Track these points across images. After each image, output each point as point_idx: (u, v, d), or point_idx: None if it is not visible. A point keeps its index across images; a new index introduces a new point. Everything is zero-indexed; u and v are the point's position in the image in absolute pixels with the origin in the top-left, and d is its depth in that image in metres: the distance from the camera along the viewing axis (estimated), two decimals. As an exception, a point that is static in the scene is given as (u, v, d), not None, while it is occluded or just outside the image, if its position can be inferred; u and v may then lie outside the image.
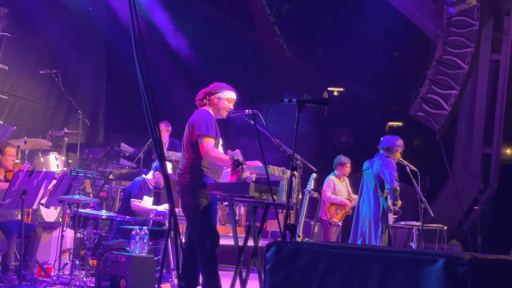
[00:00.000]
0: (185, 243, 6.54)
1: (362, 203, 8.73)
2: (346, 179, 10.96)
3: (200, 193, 6.24)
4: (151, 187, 9.12)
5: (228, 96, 6.59)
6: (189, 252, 6.38)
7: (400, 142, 8.79)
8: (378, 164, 8.58)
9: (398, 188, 8.45)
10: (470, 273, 3.32)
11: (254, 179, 6.04)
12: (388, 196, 8.56)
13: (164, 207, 8.87)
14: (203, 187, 6.22)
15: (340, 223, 10.71)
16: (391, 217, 8.73)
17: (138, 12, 3.40)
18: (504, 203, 15.58)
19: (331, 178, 10.75)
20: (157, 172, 9.07)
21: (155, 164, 9.27)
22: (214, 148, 6.26)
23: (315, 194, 9.94)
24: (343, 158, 10.87)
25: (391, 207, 8.56)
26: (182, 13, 15.54)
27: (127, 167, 10.96)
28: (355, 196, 10.29)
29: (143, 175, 9.27)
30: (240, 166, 6.10)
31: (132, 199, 8.89)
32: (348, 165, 10.81)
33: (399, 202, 8.64)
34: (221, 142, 6.61)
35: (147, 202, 9.03)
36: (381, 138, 9.04)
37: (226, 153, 6.29)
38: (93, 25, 14.18)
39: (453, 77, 14.28)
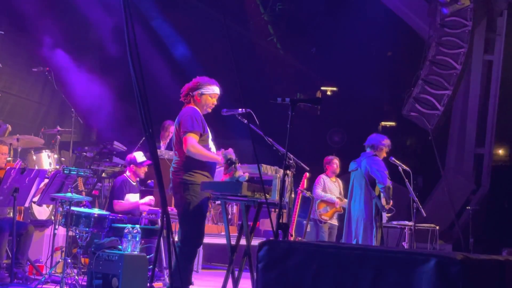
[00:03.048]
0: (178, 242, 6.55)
1: (354, 204, 8.70)
2: (339, 180, 10.92)
3: (191, 190, 6.25)
4: (134, 183, 9.08)
5: (210, 91, 6.57)
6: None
7: (386, 141, 8.80)
8: (367, 163, 8.57)
9: (391, 186, 8.45)
10: (462, 273, 3.33)
11: (247, 178, 6.05)
12: (382, 194, 8.54)
13: (148, 199, 8.91)
14: (195, 185, 6.24)
15: (332, 222, 10.66)
16: (385, 216, 8.73)
17: (132, 10, 3.40)
18: (496, 204, 15.65)
19: (322, 176, 10.72)
20: (131, 165, 9.03)
21: (132, 156, 9.20)
22: (196, 143, 6.24)
23: (308, 194, 9.94)
24: (328, 157, 10.89)
25: (386, 206, 8.55)
26: (176, 11, 15.53)
27: (119, 166, 10.93)
28: (346, 200, 10.27)
29: (125, 174, 9.25)
30: (233, 165, 6.10)
31: (114, 200, 8.87)
32: (335, 161, 10.76)
33: (391, 201, 8.64)
34: (210, 136, 6.58)
35: (131, 200, 8.99)
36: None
37: (219, 152, 6.30)
38: (86, 23, 14.14)
39: (446, 78, 14.31)
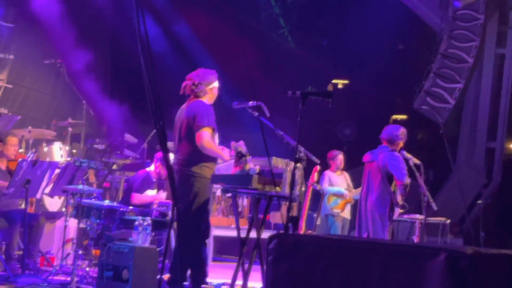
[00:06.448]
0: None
1: (368, 197, 8.62)
2: (346, 173, 10.91)
3: (199, 182, 6.33)
4: (154, 180, 9.14)
5: (217, 84, 6.73)
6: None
7: (403, 132, 8.66)
8: (385, 158, 8.46)
9: (409, 184, 8.38)
10: (472, 267, 3.32)
11: (257, 171, 6.06)
12: (397, 191, 8.47)
13: (163, 194, 8.96)
14: (203, 178, 6.31)
15: (345, 215, 10.63)
16: (397, 212, 8.68)
17: (143, 5, 3.41)
18: (507, 198, 15.57)
19: (326, 172, 10.71)
20: (158, 163, 9.09)
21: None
22: (210, 139, 6.35)
23: (318, 187, 9.92)
24: (332, 152, 10.85)
25: (400, 202, 8.48)
26: (186, 3, 15.53)
27: (130, 158, 10.97)
28: (356, 191, 10.23)
29: (147, 168, 9.30)
30: (244, 158, 6.12)
31: (133, 193, 8.91)
32: (339, 156, 10.75)
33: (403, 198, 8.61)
34: (217, 133, 6.67)
35: (149, 195, 9.04)
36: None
37: (230, 145, 6.33)
38: (98, 15, 14.15)
39: (457, 71, 14.25)
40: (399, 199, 8.45)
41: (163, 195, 9.09)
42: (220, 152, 6.40)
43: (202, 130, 6.34)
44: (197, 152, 6.38)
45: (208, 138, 6.33)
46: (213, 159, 6.50)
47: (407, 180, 8.29)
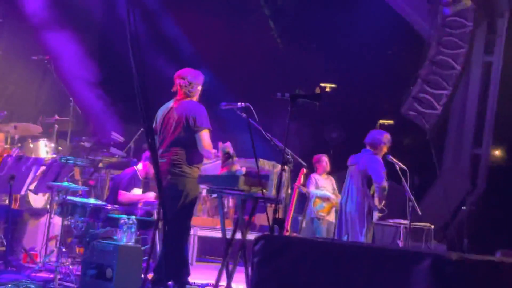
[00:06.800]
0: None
1: (347, 200, 8.67)
2: (331, 177, 10.94)
3: (191, 184, 6.34)
4: (141, 178, 9.12)
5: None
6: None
7: (386, 137, 8.71)
8: (366, 161, 8.53)
9: (387, 187, 8.44)
10: (456, 272, 3.33)
11: (244, 172, 6.06)
12: (375, 194, 8.53)
13: (152, 194, 8.91)
14: (194, 179, 6.31)
15: (330, 219, 10.66)
16: (375, 215, 8.72)
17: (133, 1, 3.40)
18: (492, 205, 15.66)
19: (313, 174, 10.74)
20: (147, 162, 9.06)
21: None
22: (210, 141, 6.37)
23: (304, 189, 9.94)
24: (316, 155, 10.89)
25: (378, 206, 8.54)
26: (176, 1, 15.51)
27: (116, 156, 10.93)
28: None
29: (135, 167, 9.27)
30: (231, 159, 6.12)
31: (120, 191, 8.88)
32: (323, 158, 10.78)
33: (383, 201, 8.63)
34: None
35: (136, 193, 9.01)
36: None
37: (217, 145, 6.33)
38: (86, 12, 14.09)
39: (445, 78, 14.33)
40: (377, 202, 8.50)
41: (151, 195, 9.06)
42: (213, 155, 6.41)
43: (203, 131, 6.36)
44: (190, 153, 6.39)
45: (209, 140, 6.38)
46: (201, 160, 6.50)
47: (384, 183, 8.36)
